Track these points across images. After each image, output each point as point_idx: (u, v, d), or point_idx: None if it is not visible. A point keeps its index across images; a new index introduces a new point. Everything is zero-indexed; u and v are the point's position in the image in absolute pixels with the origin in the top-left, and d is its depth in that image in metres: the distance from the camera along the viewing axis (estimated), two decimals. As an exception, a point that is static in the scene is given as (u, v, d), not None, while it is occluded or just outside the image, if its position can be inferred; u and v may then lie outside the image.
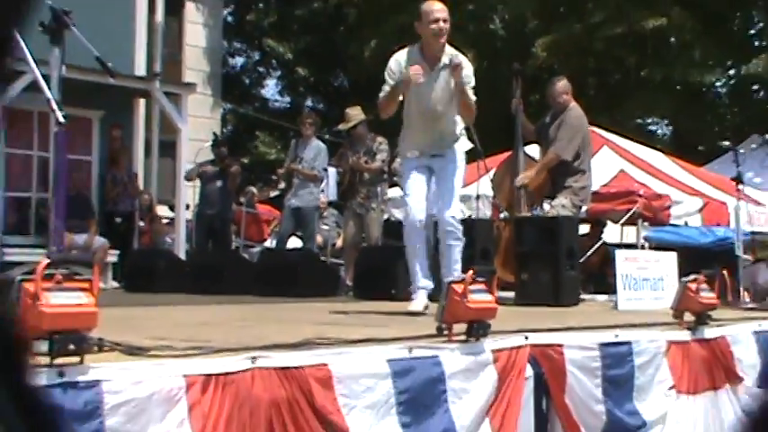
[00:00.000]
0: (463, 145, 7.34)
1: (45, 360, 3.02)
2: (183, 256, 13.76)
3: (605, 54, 25.51)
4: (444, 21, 6.90)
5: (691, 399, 5.98)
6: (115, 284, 12.26)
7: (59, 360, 3.02)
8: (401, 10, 24.30)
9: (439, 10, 6.92)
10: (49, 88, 3.65)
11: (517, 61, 11.87)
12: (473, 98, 7.05)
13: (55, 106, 3.63)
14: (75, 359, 3.07)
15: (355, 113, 11.77)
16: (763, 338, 6.86)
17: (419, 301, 6.86)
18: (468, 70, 7.03)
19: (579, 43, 25.17)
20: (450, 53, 7.01)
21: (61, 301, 3.03)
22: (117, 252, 13.29)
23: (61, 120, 3.67)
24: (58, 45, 3.77)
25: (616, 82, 26.07)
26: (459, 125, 7.23)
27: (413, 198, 7.07)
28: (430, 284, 6.99)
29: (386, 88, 7.04)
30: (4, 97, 10.26)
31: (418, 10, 7.07)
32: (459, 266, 6.93)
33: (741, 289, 10.57)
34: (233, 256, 12.81)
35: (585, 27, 25.41)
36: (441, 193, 7.15)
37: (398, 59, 7.06)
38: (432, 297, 6.58)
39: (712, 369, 6.22)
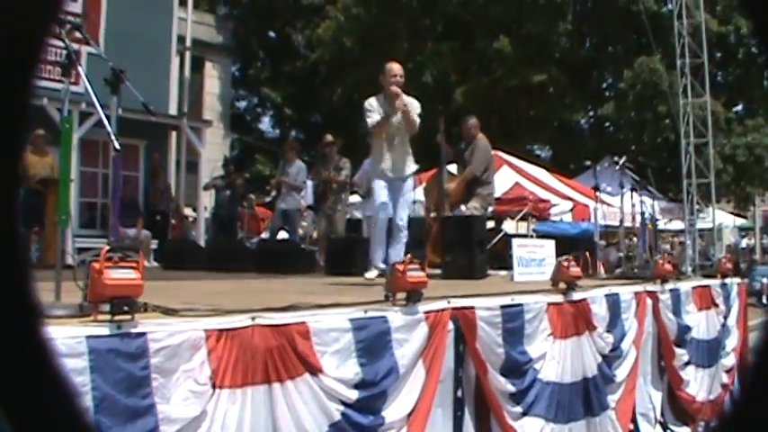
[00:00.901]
0: (413, 168, 7.63)
1: (107, 317, 3.04)
2: (202, 244, 13.68)
3: (504, 99, 25.70)
4: (401, 76, 7.38)
5: (562, 342, 6.03)
6: (155, 264, 12.15)
7: (117, 317, 3.04)
8: (359, 68, 24.44)
9: (398, 69, 7.42)
10: (110, 124, 3.64)
11: (442, 105, 11.88)
12: (417, 119, 7.43)
13: (113, 137, 3.62)
14: (128, 317, 3.07)
15: (330, 138, 11.96)
16: (611, 299, 6.96)
17: (372, 272, 7.13)
18: (416, 105, 7.47)
19: (486, 92, 25.34)
20: (405, 98, 7.40)
21: (118, 275, 3.04)
22: (156, 241, 13.17)
23: (117, 147, 3.67)
24: (116, 94, 3.76)
25: (512, 119, 26.23)
26: (410, 152, 7.54)
27: (381, 205, 7.31)
28: (383, 266, 7.09)
29: (375, 117, 7.32)
30: (80, 129, 10.34)
31: (383, 68, 7.50)
32: (402, 252, 7.13)
33: (598, 264, 10.74)
34: (238, 245, 12.70)
35: (490, 80, 25.63)
36: (397, 207, 7.43)
37: (372, 102, 7.40)
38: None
39: (577, 321, 6.28)
